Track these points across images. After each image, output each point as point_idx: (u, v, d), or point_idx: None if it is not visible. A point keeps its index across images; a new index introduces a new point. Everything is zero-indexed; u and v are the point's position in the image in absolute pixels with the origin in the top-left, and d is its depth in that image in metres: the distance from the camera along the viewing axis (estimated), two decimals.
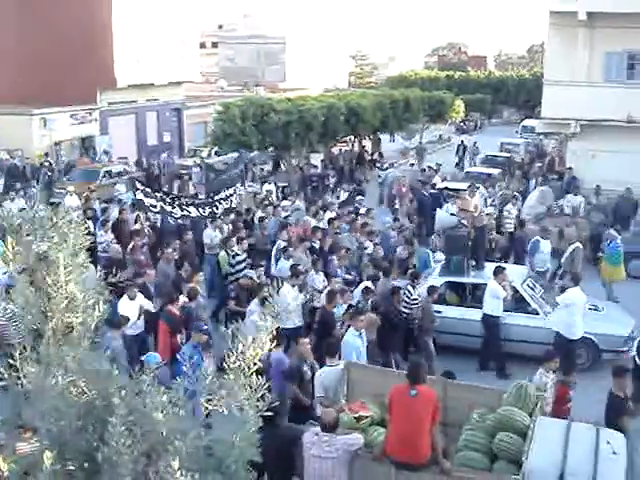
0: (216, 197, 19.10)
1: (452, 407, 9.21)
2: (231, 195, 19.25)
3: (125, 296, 13.12)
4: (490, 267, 15.89)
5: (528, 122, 53.34)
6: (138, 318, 13.21)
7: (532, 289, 15.61)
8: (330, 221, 19.57)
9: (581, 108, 28.44)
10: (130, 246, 17.07)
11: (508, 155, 39.02)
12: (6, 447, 4.18)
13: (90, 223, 18.56)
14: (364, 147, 43.24)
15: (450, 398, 9.28)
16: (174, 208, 18.23)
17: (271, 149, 32.74)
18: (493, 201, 23.81)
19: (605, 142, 27.99)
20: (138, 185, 18.74)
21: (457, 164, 39.57)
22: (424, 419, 8.06)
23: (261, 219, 19.98)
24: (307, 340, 11.40)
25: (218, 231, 18.53)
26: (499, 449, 8.31)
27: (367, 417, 8.95)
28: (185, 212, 18.36)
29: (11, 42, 39.22)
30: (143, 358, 9.88)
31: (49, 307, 4.21)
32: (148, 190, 18.49)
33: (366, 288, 14.11)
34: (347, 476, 8.16)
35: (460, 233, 16.99)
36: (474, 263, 16.52)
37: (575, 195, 24.50)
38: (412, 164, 35.12)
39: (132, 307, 13.16)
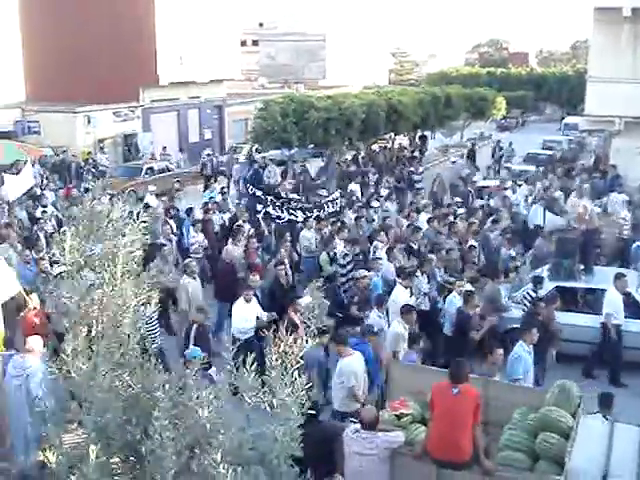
0: (322, 200, 18.89)
1: (494, 406, 9.12)
2: (337, 198, 19.02)
3: (241, 299, 12.81)
4: (599, 271, 15.42)
5: (570, 119, 52.70)
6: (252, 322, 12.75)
7: None
8: (429, 221, 18.84)
9: (625, 105, 27.95)
10: (243, 249, 16.39)
11: (550, 153, 38.56)
12: (53, 439, 4.25)
13: (172, 222, 18.55)
14: (401, 145, 42.99)
15: (492, 397, 9.20)
16: (282, 212, 18.04)
17: (311, 146, 32.72)
18: (535, 199, 23.51)
19: None
20: (252, 188, 18.70)
21: (490, 166, 38.70)
22: (466, 418, 8.01)
23: (357, 219, 19.23)
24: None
25: (316, 232, 17.97)
26: (541, 449, 8.22)
27: (408, 415, 8.92)
28: (292, 216, 18.15)
29: (55, 40, 39.75)
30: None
31: (100, 303, 4.27)
32: (259, 193, 18.35)
33: (468, 292, 13.49)
34: (388, 473, 8.14)
35: (571, 236, 16.42)
36: (582, 267, 15.77)
37: (619, 193, 24.10)
38: (454, 162, 34.84)
39: (248, 310, 12.81)
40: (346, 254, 16.09)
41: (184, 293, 13.79)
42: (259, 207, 18.13)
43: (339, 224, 18.11)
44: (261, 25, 78.41)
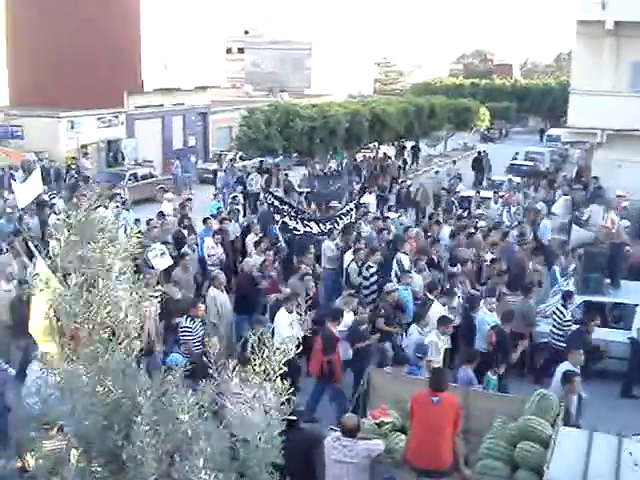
0: (337, 212, 18.57)
1: (474, 415, 9.18)
2: (351, 210, 18.62)
3: (283, 309, 12.58)
4: (626, 285, 15.29)
5: (553, 131, 53.06)
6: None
7: None
8: (453, 235, 18.67)
9: (607, 117, 28.21)
10: (261, 261, 15.99)
11: (532, 164, 38.83)
12: (34, 444, 4.25)
13: (185, 232, 18.27)
14: (386, 154, 43.14)
15: (472, 406, 9.26)
16: (297, 223, 17.74)
17: (295, 155, 32.81)
18: (517, 210, 23.68)
19: (631, 152, 27.74)
20: (270, 197, 18.41)
21: (475, 177, 38.82)
22: (445, 426, 8.06)
23: (380, 231, 18.92)
24: None
25: (334, 244, 17.73)
26: (520, 458, 8.28)
27: (388, 423, 8.96)
28: (307, 228, 17.79)
29: (39, 45, 39.61)
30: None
31: (91, 309, 4.28)
32: (277, 203, 18.07)
33: (509, 311, 13.25)
34: None
35: (599, 250, 16.26)
36: (609, 281, 15.57)
37: (599, 205, 24.24)
38: (437, 172, 35.05)
39: (288, 320, 12.36)
40: (370, 266, 15.68)
41: (212, 306, 13.54)
42: (277, 217, 17.76)
43: (355, 236, 17.85)
44: (247, 33, 78.51)
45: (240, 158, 36.96)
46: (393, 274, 15.97)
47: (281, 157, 33.31)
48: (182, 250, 16.89)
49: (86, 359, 4.17)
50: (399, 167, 40.25)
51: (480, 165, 39.04)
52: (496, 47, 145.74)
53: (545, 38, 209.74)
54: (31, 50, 39.88)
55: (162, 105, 43.63)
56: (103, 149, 39.49)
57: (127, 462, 3.97)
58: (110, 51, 38.94)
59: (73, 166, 33.38)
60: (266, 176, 31.20)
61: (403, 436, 8.70)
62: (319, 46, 70.00)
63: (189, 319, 12.10)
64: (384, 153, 43.21)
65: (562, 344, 13.18)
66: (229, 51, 63.67)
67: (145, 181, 32.23)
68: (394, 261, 16.28)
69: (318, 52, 70.36)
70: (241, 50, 75.09)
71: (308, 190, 27.17)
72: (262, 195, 18.79)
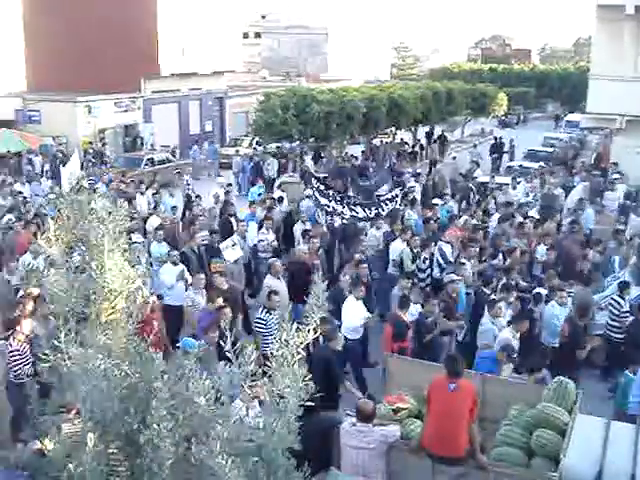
0: (382, 197, 18.34)
1: (490, 402, 9.14)
2: (397, 196, 18.39)
3: (351, 296, 12.48)
4: None
5: (572, 116, 52.62)
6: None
7: None
8: (500, 221, 18.08)
9: (627, 103, 27.90)
10: (306, 249, 15.62)
11: (551, 150, 38.53)
12: (50, 427, 4.26)
13: (233, 220, 18.13)
14: (402, 140, 42.98)
15: (489, 393, 9.23)
16: (344, 207, 17.56)
17: (312, 140, 32.71)
18: (535, 196, 23.50)
19: None
20: (314, 182, 18.25)
21: (493, 162, 38.63)
22: (462, 413, 8.03)
23: (426, 221, 18.21)
24: None
25: (381, 232, 17.22)
26: (537, 445, 8.24)
27: (404, 409, 8.94)
28: (353, 212, 17.60)
29: (57, 30, 39.71)
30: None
31: (92, 290, 4.27)
32: (322, 188, 17.89)
33: (537, 294, 13.07)
34: (383, 467, 8.16)
35: None
36: None
37: (612, 191, 23.95)
38: (454, 157, 34.86)
39: (359, 309, 12.47)
40: (426, 258, 15.18)
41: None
42: (323, 201, 17.56)
43: (401, 224, 17.35)
44: (264, 17, 78.39)
45: (257, 143, 36.98)
46: (435, 262, 15.51)
47: (297, 142, 33.23)
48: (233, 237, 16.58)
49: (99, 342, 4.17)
50: (413, 152, 40.27)
51: (499, 151, 38.80)
52: (514, 32, 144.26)
53: (564, 23, 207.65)
54: (48, 35, 40.00)
55: (179, 90, 43.68)
56: (120, 134, 39.62)
57: (144, 446, 3.97)
58: (127, 36, 39.01)
59: (90, 151, 33.49)
60: (282, 161, 31.20)
61: (419, 422, 8.67)
62: (336, 31, 69.78)
63: (264, 311, 11.81)
64: (401, 139, 43.04)
65: (620, 336, 12.93)
66: (246, 36, 63.62)
67: (162, 166, 32.29)
68: (436, 249, 15.74)
69: (335, 37, 70.15)
70: (258, 35, 75.00)
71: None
72: (310, 181, 18.39)
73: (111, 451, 4.17)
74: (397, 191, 18.73)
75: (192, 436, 4.05)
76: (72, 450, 4.12)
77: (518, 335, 11.27)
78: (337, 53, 69.56)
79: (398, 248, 15.91)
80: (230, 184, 23.38)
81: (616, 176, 25.96)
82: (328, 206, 17.61)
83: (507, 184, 25.24)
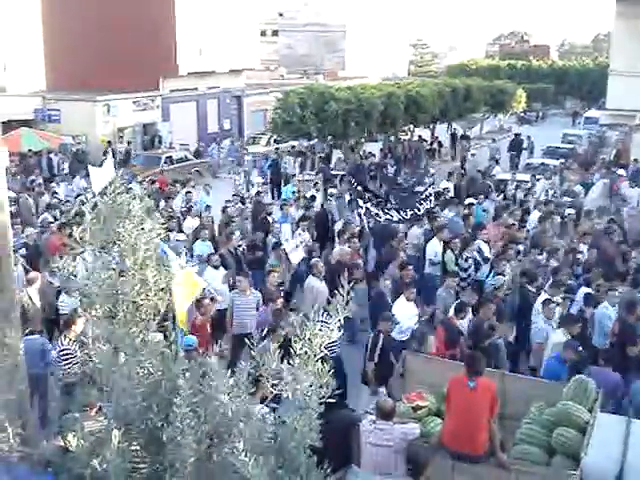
0: (417, 198, 18.13)
1: (511, 400, 9.12)
2: (430, 195, 18.27)
3: (403, 297, 12.39)
4: None
5: (591, 113, 52.25)
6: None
7: None
8: (541, 220, 17.65)
9: None
10: (347, 249, 15.48)
11: (571, 147, 38.27)
12: (75, 424, 4.30)
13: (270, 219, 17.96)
14: (421, 137, 42.82)
15: (509, 391, 9.20)
16: (380, 211, 17.36)
17: (330, 137, 32.69)
18: (555, 193, 23.38)
19: None
20: (354, 182, 18.16)
21: (511, 159, 38.31)
22: (482, 411, 8.01)
23: (466, 217, 18.14)
24: None
25: (422, 230, 17.12)
26: (557, 444, 8.21)
27: (424, 407, 8.93)
28: (388, 216, 17.41)
29: (76, 29, 39.90)
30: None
31: (122, 289, 4.31)
32: (360, 189, 17.75)
33: (588, 295, 12.83)
34: (404, 465, 8.16)
35: None
36: None
37: (632, 187, 23.67)
38: (473, 154, 34.72)
39: (411, 309, 12.35)
40: (468, 257, 15.00)
41: (309, 295, 13.32)
42: (360, 202, 17.35)
43: (437, 224, 17.00)
44: (281, 15, 78.31)
45: (275, 141, 37.01)
46: (472, 262, 15.25)
47: (315, 140, 33.21)
48: (268, 238, 16.53)
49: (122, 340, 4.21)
50: (432, 149, 40.19)
51: (519, 148, 38.53)
52: (533, 28, 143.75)
53: (583, 19, 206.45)
54: (67, 34, 40.18)
55: (197, 88, 43.77)
56: (139, 133, 39.77)
57: (167, 443, 4.00)
58: (146, 35, 39.13)
59: (109, 149, 33.67)
60: (300, 159, 31.18)
61: (439, 420, 8.67)
62: (353, 28, 69.66)
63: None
64: (419, 136, 42.93)
65: None
66: (263, 34, 63.59)
67: (181, 164, 32.38)
68: (474, 248, 15.47)
69: (352, 34, 70.02)
70: (275, 33, 74.97)
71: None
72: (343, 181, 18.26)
73: (134, 448, 4.21)
74: (430, 190, 18.57)
75: (214, 434, 4.07)
76: (96, 447, 4.16)
77: (570, 337, 10.89)
78: (354, 50, 69.44)
79: (434, 247, 15.74)
80: (265, 183, 22.90)
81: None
82: (361, 207, 17.37)
83: (526, 181, 25.11)
